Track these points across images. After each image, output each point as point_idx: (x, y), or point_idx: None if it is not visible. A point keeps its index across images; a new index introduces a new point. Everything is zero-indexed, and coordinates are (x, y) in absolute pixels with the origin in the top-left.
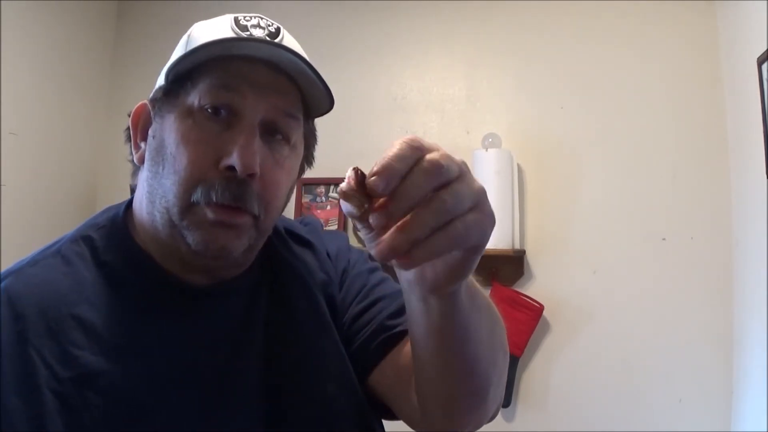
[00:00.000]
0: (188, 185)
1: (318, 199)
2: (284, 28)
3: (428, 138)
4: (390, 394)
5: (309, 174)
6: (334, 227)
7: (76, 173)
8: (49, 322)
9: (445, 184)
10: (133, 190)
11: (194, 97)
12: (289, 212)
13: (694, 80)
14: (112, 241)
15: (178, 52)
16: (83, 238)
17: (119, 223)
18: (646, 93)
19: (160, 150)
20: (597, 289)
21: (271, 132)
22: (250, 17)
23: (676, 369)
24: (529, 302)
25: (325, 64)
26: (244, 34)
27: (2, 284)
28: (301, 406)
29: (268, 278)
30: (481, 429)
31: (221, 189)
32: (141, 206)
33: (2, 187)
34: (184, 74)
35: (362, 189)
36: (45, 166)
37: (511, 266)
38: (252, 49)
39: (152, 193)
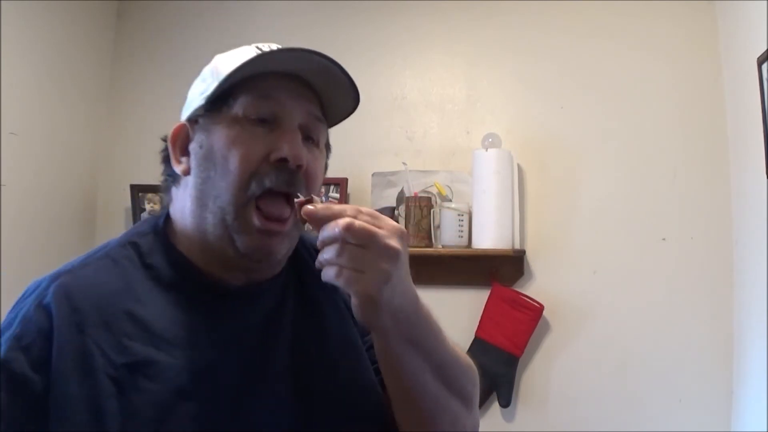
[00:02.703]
0: (242, 181)
1: (316, 198)
2: (284, 28)
3: (428, 138)
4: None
5: None
6: None
7: (76, 173)
8: (103, 315)
9: (357, 244)
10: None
11: (238, 109)
12: None
13: (695, 80)
14: (156, 246)
15: (205, 81)
16: (129, 244)
17: (160, 231)
18: (647, 93)
19: (209, 156)
20: (597, 289)
21: (305, 137)
22: (271, 45)
23: (676, 369)
24: (529, 302)
25: None
26: (267, 49)
27: (58, 282)
28: (326, 395)
29: (294, 280)
30: (481, 429)
31: (275, 176)
32: (184, 214)
33: (2, 187)
34: (223, 93)
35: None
36: (45, 166)
37: (511, 266)
38: (287, 59)
39: (203, 196)
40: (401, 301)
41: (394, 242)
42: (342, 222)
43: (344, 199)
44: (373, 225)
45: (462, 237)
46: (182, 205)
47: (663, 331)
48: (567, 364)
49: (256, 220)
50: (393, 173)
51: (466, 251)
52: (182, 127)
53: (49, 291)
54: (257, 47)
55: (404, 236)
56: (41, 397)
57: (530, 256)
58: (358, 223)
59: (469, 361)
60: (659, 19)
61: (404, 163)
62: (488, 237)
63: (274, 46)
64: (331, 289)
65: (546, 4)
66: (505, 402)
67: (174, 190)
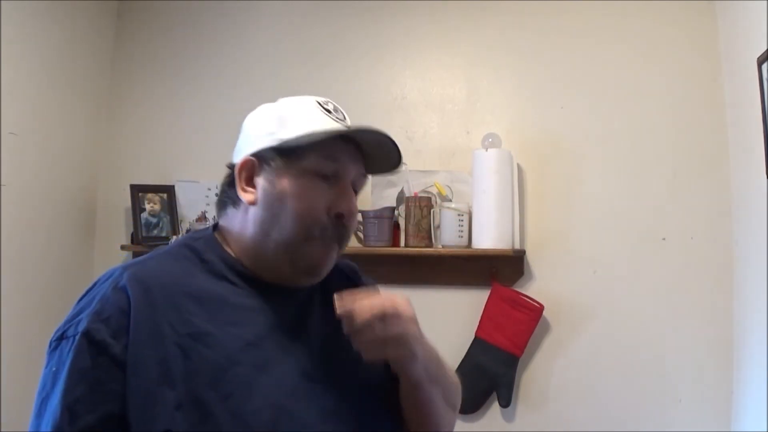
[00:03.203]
0: (306, 226)
1: None
2: (284, 27)
3: (428, 138)
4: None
5: None
6: None
7: (76, 173)
8: (169, 296)
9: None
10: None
11: (308, 164)
12: None
13: (694, 80)
14: (209, 247)
15: (270, 122)
16: (185, 246)
17: (212, 237)
18: (647, 93)
19: (280, 198)
20: (597, 289)
21: (352, 189)
22: (327, 102)
23: (676, 369)
24: (529, 302)
25: (325, 64)
26: (332, 117)
27: (130, 270)
28: (351, 382)
29: (318, 284)
30: (482, 429)
31: (332, 230)
32: (243, 232)
33: (2, 187)
34: (296, 147)
35: None
36: (45, 166)
37: (511, 266)
38: (358, 135)
39: (269, 228)
40: (426, 351)
41: (411, 309)
42: (374, 310)
43: None
44: (390, 304)
45: (462, 237)
46: (242, 225)
47: (663, 331)
48: (567, 364)
49: (313, 256)
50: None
51: (466, 251)
52: (250, 161)
53: (124, 277)
54: (318, 104)
55: (409, 301)
56: (119, 360)
57: (530, 256)
58: (386, 305)
59: (455, 376)
60: (659, 20)
61: (404, 163)
62: (488, 237)
63: (331, 106)
64: (350, 286)
65: (546, 5)
66: (505, 402)
67: (231, 210)
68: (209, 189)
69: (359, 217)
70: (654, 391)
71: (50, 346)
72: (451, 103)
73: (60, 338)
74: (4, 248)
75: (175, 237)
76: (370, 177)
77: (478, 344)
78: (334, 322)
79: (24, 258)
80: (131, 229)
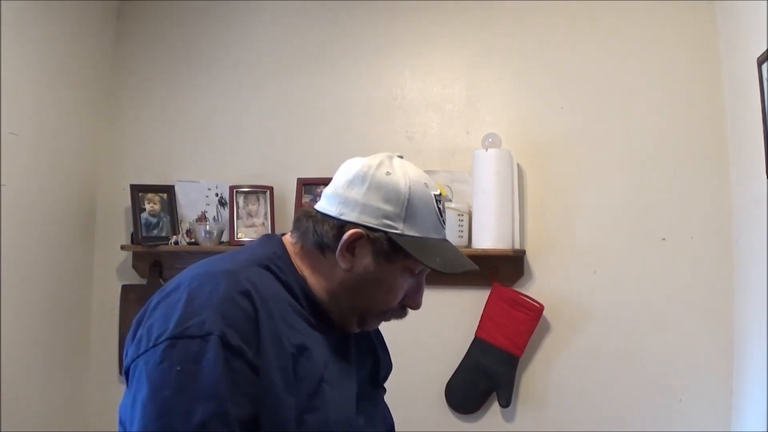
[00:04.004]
0: (383, 312)
1: (317, 199)
2: (284, 27)
3: (428, 138)
4: None
5: (309, 174)
6: None
7: (76, 173)
8: (278, 306)
9: None
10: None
11: (409, 262)
12: (290, 212)
13: (694, 80)
14: (288, 270)
15: (389, 202)
16: (263, 266)
17: (286, 260)
18: (646, 93)
19: (375, 283)
20: (597, 289)
21: None
22: (439, 198)
23: (676, 369)
24: (529, 302)
25: (325, 64)
26: (441, 221)
27: (244, 275)
28: (377, 403)
29: None
30: (482, 429)
31: (395, 314)
32: (325, 280)
33: (2, 187)
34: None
35: None
36: (45, 166)
37: (511, 266)
38: (460, 266)
39: (351, 296)
40: None
41: None
42: None
43: None
44: None
45: (462, 237)
46: (327, 274)
47: (663, 330)
48: (567, 364)
49: (372, 325)
50: None
51: (466, 251)
52: (362, 237)
53: (242, 281)
54: (436, 202)
55: None
56: (254, 364)
57: (530, 256)
58: None
59: None
60: (659, 20)
61: None
62: (488, 237)
63: (442, 205)
64: (364, 334)
65: (546, 5)
66: (505, 402)
67: (318, 251)
68: (209, 189)
69: None
70: (654, 391)
71: (156, 342)
72: (451, 103)
73: (178, 337)
74: (4, 248)
75: (175, 237)
76: None
77: (478, 344)
78: (365, 363)
79: (24, 258)
80: (131, 229)
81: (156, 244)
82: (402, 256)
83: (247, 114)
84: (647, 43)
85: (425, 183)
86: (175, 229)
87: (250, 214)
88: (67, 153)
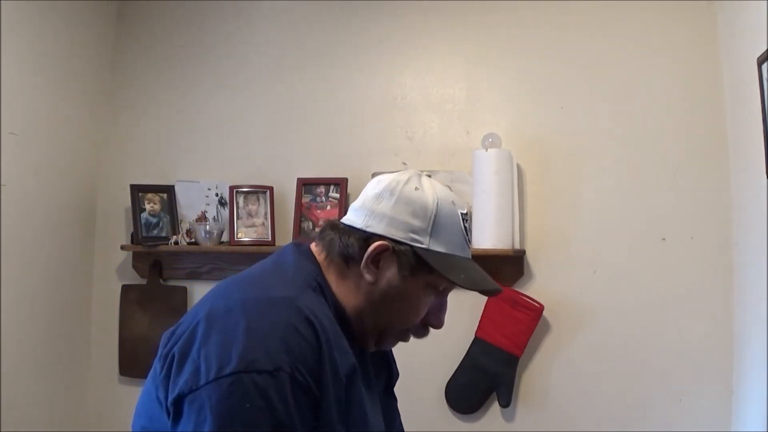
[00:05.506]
0: (405, 329)
1: (318, 199)
2: (283, 27)
3: (428, 138)
4: None
5: (309, 174)
6: None
7: (76, 173)
8: (332, 332)
9: None
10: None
11: (434, 278)
12: (290, 212)
13: (694, 80)
14: (325, 288)
15: (417, 217)
16: (313, 288)
17: (324, 278)
18: (646, 93)
19: (399, 298)
20: (597, 289)
21: None
22: (466, 217)
23: (676, 369)
24: (529, 302)
25: (325, 64)
26: (466, 240)
27: (304, 302)
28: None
29: None
30: (482, 429)
31: (416, 335)
32: (351, 293)
33: (2, 187)
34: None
35: None
36: (45, 166)
37: (511, 266)
38: (485, 284)
39: (375, 311)
40: None
41: None
42: None
43: (344, 198)
44: None
45: None
46: (353, 288)
47: (663, 331)
48: (567, 364)
49: (390, 344)
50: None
51: None
52: (387, 249)
53: (303, 310)
54: (463, 221)
55: None
56: (316, 398)
57: (530, 256)
58: None
59: None
60: (659, 19)
61: (404, 163)
62: (488, 237)
63: (468, 224)
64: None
65: (546, 5)
66: (505, 402)
67: (342, 264)
68: (209, 189)
69: None
70: (654, 391)
71: (219, 374)
72: (451, 103)
73: (246, 371)
74: (4, 248)
75: (175, 237)
76: (370, 176)
77: (478, 344)
78: (382, 375)
79: (24, 258)
80: (131, 229)
81: (156, 244)
82: (426, 271)
83: (247, 114)
84: (647, 43)
85: (452, 201)
86: (175, 229)
87: (250, 214)
88: (67, 153)
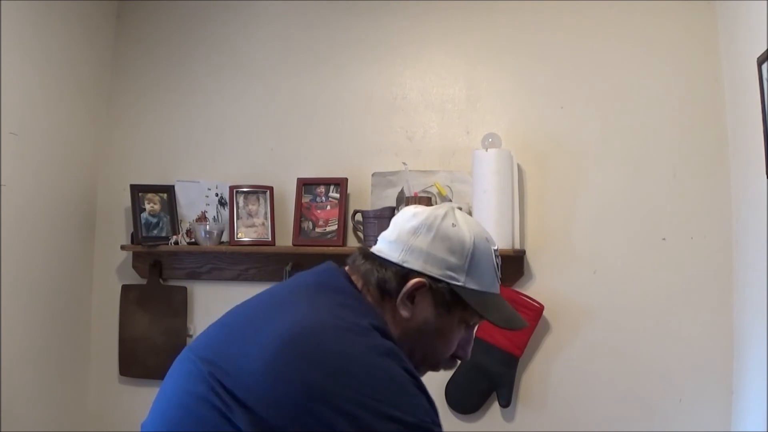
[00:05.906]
0: (436, 363)
1: (318, 199)
2: (283, 27)
3: (428, 138)
4: None
5: (309, 174)
6: (334, 227)
7: (76, 173)
8: None
9: None
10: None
11: (466, 315)
12: (290, 212)
13: (694, 80)
14: (385, 333)
15: (454, 254)
16: (370, 330)
17: (384, 329)
18: (647, 93)
19: (433, 334)
20: (597, 289)
21: None
22: (497, 253)
23: (676, 369)
24: (529, 302)
25: (325, 64)
26: (497, 277)
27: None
28: None
29: None
30: (482, 429)
31: (445, 367)
32: (393, 324)
33: (2, 187)
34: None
35: None
36: (45, 166)
37: (511, 266)
38: (516, 323)
39: (408, 342)
40: None
41: None
42: None
43: (344, 198)
44: None
45: None
46: (390, 320)
47: (663, 331)
48: (567, 364)
49: (420, 375)
50: (393, 173)
51: None
52: (424, 286)
53: (405, 359)
54: (496, 262)
55: None
56: None
57: (530, 256)
58: None
59: None
60: (659, 19)
61: (404, 163)
62: None
63: (499, 259)
64: None
65: (546, 4)
66: (505, 402)
67: (378, 295)
68: (209, 189)
69: (359, 216)
70: (654, 391)
71: (390, 418)
72: (451, 103)
73: (418, 427)
74: (4, 248)
75: (175, 237)
76: (370, 176)
77: (478, 344)
78: None
79: (24, 258)
80: (131, 229)
81: (156, 244)
82: (461, 307)
83: (247, 114)
84: (647, 43)
85: (486, 238)
86: (175, 229)
87: (250, 214)
88: (67, 153)
